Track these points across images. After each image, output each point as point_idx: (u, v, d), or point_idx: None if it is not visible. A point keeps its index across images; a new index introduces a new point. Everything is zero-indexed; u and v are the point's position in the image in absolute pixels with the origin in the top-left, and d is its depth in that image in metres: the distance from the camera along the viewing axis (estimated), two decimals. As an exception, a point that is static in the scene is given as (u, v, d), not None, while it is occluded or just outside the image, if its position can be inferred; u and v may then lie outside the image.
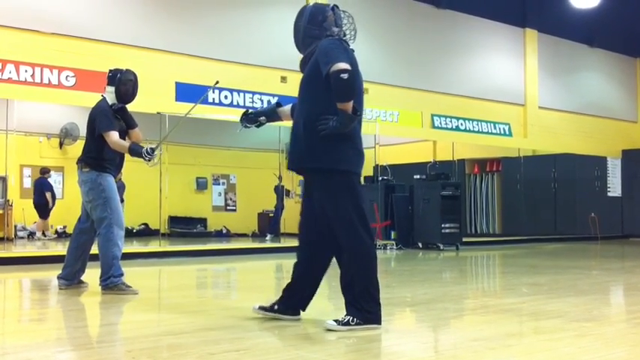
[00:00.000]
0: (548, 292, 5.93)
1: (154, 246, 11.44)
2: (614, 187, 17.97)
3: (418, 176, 12.93)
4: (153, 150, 5.45)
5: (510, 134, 16.59)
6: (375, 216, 12.41)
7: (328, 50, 3.80)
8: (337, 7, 4.11)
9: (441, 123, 15.34)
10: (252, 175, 17.10)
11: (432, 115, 15.19)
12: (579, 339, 3.66)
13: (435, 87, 15.21)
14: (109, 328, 4.34)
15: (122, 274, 5.54)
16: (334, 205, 3.88)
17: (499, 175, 16.74)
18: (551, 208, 16.66)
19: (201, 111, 11.62)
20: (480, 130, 16.01)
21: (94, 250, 5.68)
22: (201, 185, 17.44)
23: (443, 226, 12.36)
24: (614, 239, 16.63)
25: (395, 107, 14.57)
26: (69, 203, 13.31)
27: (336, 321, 3.77)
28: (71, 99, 10.61)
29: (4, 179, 12.67)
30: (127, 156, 5.66)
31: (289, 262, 4.16)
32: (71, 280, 5.73)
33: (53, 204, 13.97)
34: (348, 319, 3.76)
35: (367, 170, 13.49)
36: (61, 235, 14.23)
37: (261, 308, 4.15)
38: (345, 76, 3.67)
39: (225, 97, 12.10)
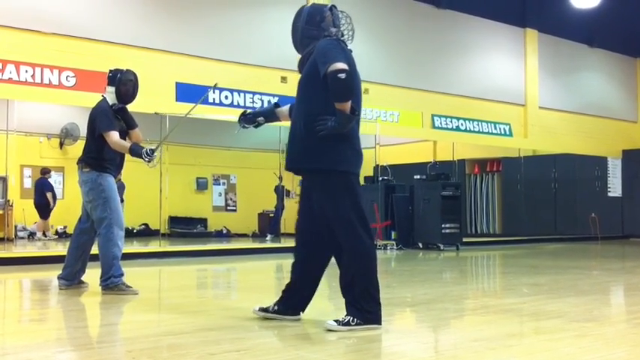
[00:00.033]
0: (549, 293, 5.93)
1: (154, 246, 11.43)
2: (615, 187, 17.96)
3: (418, 176, 12.92)
4: (153, 151, 5.45)
5: (511, 134, 16.60)
6: (375, 216, 12.42)
7: (326, 50, 3.80)
8: (335, 7, 4.11)
9: (441, 123, 15.35)
10: (253, 175, 17.10)
11: (433, 116, 15.20)
12: (580, 339, 3.66)
13: (436, 87, 15.22)
14: (109, 329, 4.34)
15: (122, 275, 5.54)
16: (333, 205, 3.88)
17: (499, 175, 16.74)
18: (552, 209, 16.66)
19: (201, 111, 11.62)
20: (481, 130, 16.02)
21: (94, 250, 5.68)
22: (201, 185, 17.44)
23: (443, 226, 12.36)
24: (614, 239, 16.62)
25: (395, 107, 14.57)
26: (69, 203, 13.32)
27: (336, 321, 3.77)
28: (71, 99, 10.62)
29: (4, 179, 12.68)
30: (128, 156, 5.67)
31: (289, 262, 4.16)
32: (71, 280, 5.73)
33: (54, 204, 13.97)
34: (349, 320, 3.76)
35: (367, 170, 13.52)
36: (61, 236, 14.23)
37: (261, 310, 4.15)
38: (342, 76, 3.67)
39: (226, 97, 12.10)
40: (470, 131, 15.79)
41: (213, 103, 11.91)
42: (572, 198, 16.81)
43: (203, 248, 11.49)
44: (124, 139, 5.64)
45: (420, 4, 15.23)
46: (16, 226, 13.85)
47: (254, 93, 12.40)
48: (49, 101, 11.34)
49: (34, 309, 5.30)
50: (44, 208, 13.89)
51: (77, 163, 5.71)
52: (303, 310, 4.11)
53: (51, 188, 13.95)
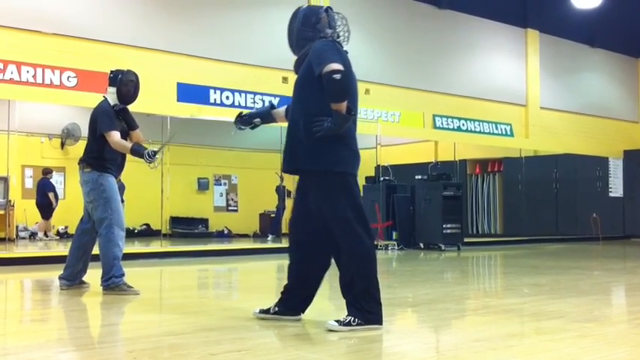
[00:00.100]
0: (550, 293, 5.92)
1: (156, 246, 11.45)
2: (616, 187, 17.95)
3: (420, 177, 12.92)
4: (155, 153, 5.45)
5: (512, 134, 16.59)
6: (376, 216, 12.42)
7: (321, 52, 3.81)
8: (331, 9, 4.12)
9: (442, 123, 15.35)
10: (254, 175, 17.10)
11: (434, 116, 15.20)
12: (581, 339, 3.66)
13: (437, 87, 15.22)
14: (110, 329, 4.35)
15: (123, 275, 5.54)
16: (331, 206, 3.88)
17: (500, 175, 16.73)
18: (553, 209, 16.66)
19: (202, 112, 11.65)
20: (482, 130, 16.01)
21: (95, 250, 5.69)
22: (202, 186, 17.45)
23: (444, 226, 12.35)
24: (615, 240, 16.61)
25: (396, 108, 14.57)
26: (70, 204, 13.33)
27: (337, 321, 3.77)
28: (72, 99, 10.63)
29: (5, 180, 12.68)
30: (129, 157, 5.67)
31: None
32: (72, 280, 5.74)
33: (56, 204, 13.99)
34: (350, 320, 3.76)
35: (369, 171, 13.53)
36: (62, 236, 14.24)
37: (262, 312, 4.15)
38: (337, 76, 3.68)
39: (227, 97, 12.11)
40: (471, 131, 15.79)
41: (215, 104, 11.92)
42: (573, 198, 16.80)
43: (204, 248, 11.50)
44: (125, 140, 5.64)
45: (421, 5, 15.23)
46: (17, 227, 13.86)
47: (255, 93, 12.41)
48: (50, 101, 11.35)
49: (36, 309, 5.31)
50: (46, 209, 13.90)
51: (78, 164, 5.71)
52: (303, 311, 4.11)
53: (53, 188, 13.96)
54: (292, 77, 4.11)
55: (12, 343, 3.70)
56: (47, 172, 14.09)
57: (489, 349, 3.43)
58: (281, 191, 14.55)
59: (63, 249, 8.91)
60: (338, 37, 4.05)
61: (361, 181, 12.76)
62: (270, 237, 14.50)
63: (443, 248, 12.29)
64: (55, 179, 14.48)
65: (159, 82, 10.97)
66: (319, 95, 3.77)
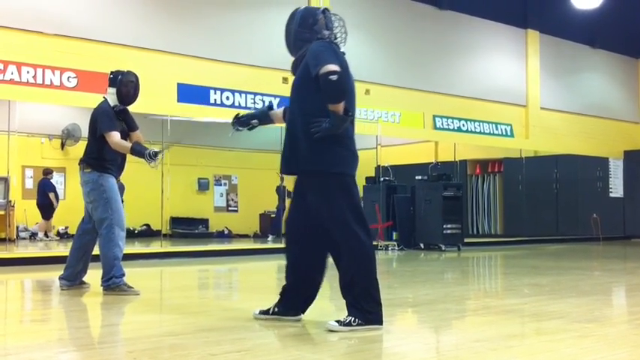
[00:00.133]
0: (550, 293, 5.92)
1: (156, 247, 11.44)
2: (616, 187, 17.94)
3: (420, 177, 12.92)
4: (156, 153, 5.45)
5: (512, 135, 16.59)
6: (376, 217, 12.42)
7: (318, 53, 3.82)
8: (328, 10, 4.12)
9: (442, 124, 15.35)
10: (254, 175, 17.10)
11: (434, 116, 15.20)
12: (581, 340, 3.66)
13: (437, 88, 15.22)
14: (110, 329, 4.35)
15: (124, 275, 5.54)
16: (329, 206, 3.88)
17: (501, 175, 16.72)
18: (553, 209, 16.65)
19: (202, 112, 11.66)
20: (482, 131, 16.01)
21: (96, 250, 5.69)
22: (202, 186, 17.45)
23: (445, 226, 12.35)
24: (616, 240, 16.61)
25: (397, 108, 14.57)
26: (71, 204, 13.33)
27: (337, 322, 3.77)
28: (73, 100, 10.64)
29: (6, 180, 12.68)
30: (129, 157, 5.67)
31: (290, 263, 4.17)
32: (73, 280, 5.74)
33: (57, 204, 13.99)
34: (350, 320, 3.76)
35: (369, 171, 13.53)
36: (62, 236, 14.24)
37: (262, 313, 4.15)
38: (334, 77, 3.68)
39: (227, 98, 12.12)
40: (471, 132, 15.79)
41: (215, 104, 11.92)
42: (573, 199, 16.79)
43: (204, 249, 11.50)
44: (125, 141, 5.64)
45: (422, 5, 15.24)
46: (17, 227, 13.86)
47: (255, 94, 12.41)
48: (50, 102, 11.36)
49: (36, 309, 5.31)
50: (47, 209, 13.90)
51: (79, 164, 5.71)
52: (304, 311, 4.11)
53: (53, 189, 13.96)
54: (292, 78, 4.11)
55: (13, 343, 3.71)
56: (48, 172, 14.10)
57: (490, 349, 3.43)
58: (281, 191, 14.54)
59: (63, 249, 8.91)
60: (335, 38, 4.06)
61: (361, 182, 12.79)
62: (270, 237, 14.50)
63: (443, 249, 12.29)
64: (56, 180, 14.48)
65: (159, 83, 10.97)
66: (317, 96, 3.78)
